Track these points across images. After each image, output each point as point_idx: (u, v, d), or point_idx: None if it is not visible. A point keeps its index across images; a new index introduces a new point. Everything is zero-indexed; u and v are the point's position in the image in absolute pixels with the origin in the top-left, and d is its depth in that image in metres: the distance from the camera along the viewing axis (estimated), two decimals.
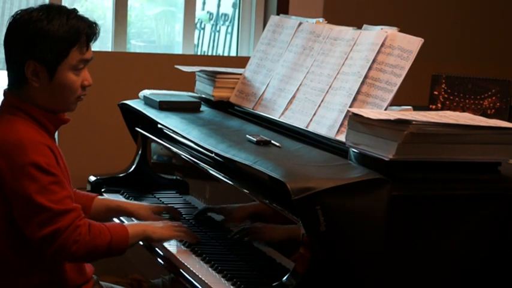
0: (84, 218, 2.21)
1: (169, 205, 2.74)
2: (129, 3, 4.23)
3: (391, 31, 2.42)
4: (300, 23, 2.80)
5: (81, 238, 2.17)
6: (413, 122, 1.98)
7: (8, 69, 2.30)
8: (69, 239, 2.16)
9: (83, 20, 2.27)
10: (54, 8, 2.26)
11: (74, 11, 2.28)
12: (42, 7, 2.27)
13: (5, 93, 2.31)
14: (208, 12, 4.73)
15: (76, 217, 2.18)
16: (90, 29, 2.27)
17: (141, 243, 2.46)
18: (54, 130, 2.32)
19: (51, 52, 2.21)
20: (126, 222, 2.58)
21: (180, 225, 2.46)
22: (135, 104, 3.01)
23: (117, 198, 2.93)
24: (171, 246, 2.44)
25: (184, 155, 2.71)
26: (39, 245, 2.18)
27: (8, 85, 2.31)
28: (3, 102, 2.31)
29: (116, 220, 2.63)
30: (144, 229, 2.36)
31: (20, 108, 2.25)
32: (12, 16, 2.29)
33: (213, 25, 4.73)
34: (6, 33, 2.28)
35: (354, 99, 2.37)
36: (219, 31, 4.72)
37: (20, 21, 2.24)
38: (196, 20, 4.49)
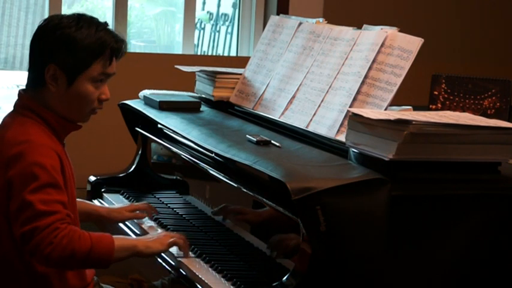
0: (66, 223, 2.14)
1: (144, 203, 2.75)
2: (129, 3, 4.23)
3: (391, 31, 2.42)
4: (300, 23, 2.80)
5: (56, 241, 2.09)
6: (413, 122, 1.98)
7: (29, 70, 2.31)
8: (44, 240, 2.09)
9: (111, 34, 2.27)
10: (86, 18, 2.27)
11: (104, 24, 2.29)
12: (74, 15, 2.28)
13: (20, 93, 2.32)
14: (208, 12, 4.73)
15: (58, 219, 2.12)
16: (116, 44, 2.27)
17: None
18: (64, 135, 2.31)
19: (74, 60, 2.22)
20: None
21: (176, 236, 2.37)
22: (135, 104, 3.01)
23: (117, 198, 2.94)
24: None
25: (184, 155, 2.71)
26: (19, 243, 2.14)
27: (26, 86, 2.32)
28: (17, 102, 2.31)
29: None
30: (135, 244, 2.27)
31: (34, 111, 2.25)
32: (44, 20, 2.30)
33: (213, 25, 4.73)
34: (35, 35, 2.28)
35: (354, 99, 2.37)
36: (219, 31, 4.72)
37: (50, 25, 2.25)
38: (196, 20, 4.49)
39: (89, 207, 2.63)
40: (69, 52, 2.21)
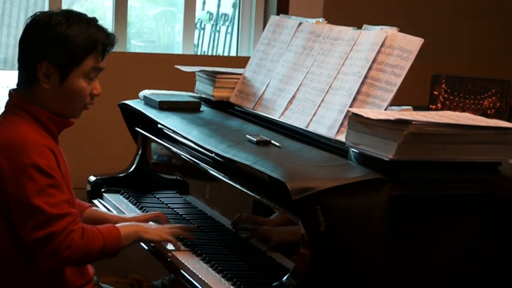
0: (78, 223, 2.20)
1: (155, 211, 2.65)
2: (129, 3, 4.23)
3: (391, 31, 2.42)
4: (300, 23, 2.80)
5: (73, 243, 2.16)
6: (413, 122, 1.98)
7: (19, 69, 2.30)
8: (62, 244, 2.15)
9: (102, 29, 2.28)
10: (74, 14, 2.27)
11: (94, 19, 2.29)
12: (63, 12, 2.28)
13: (11, 93, 2.31)
14: (208, 12, 4.73)
15: (71, 222, 2.17)
16: (107, 40, 2.28)
17: (143, 244, 2.47)
18: (57, 132, 2.31)
19: (67, 56, 2.22)
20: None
21: (174, 227, 2.45)
22: (135, 104, 3.01)
23: (117, 198, 2.93)
24: (171, 246, 2.44)
25: (184, 155, 2.71)
26: (32, 248, 2.17)
27: (17, 85, 2.31)
28: (8, 102, 2.31)
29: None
30: (136, 229, 2.36)
31: (25, 109, 2.25)
32: (31, 17, 2.29)
33: (213, 25, 4.73)
34: (24, 33, 2.28)
35: (354, 99, 2.37)
36: (219, 31, 4.72)
37: (40, 23, 2.24)
38: (196, 20, 4.49)
39: (100, 216, 2.59)
40: (62, 50, 2.22)
